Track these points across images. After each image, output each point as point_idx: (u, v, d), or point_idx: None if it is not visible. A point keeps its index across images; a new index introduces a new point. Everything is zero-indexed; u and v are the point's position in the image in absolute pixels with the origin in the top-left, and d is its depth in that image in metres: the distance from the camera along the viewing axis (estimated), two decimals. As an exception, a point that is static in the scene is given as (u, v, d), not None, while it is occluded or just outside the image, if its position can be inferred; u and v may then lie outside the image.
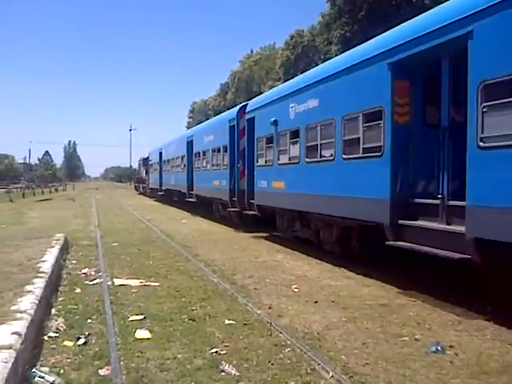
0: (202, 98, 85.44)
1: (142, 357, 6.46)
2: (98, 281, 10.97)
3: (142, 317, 8.20)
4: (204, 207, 28.88)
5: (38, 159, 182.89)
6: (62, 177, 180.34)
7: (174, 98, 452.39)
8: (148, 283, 10.79)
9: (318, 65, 25.20)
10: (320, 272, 12.23)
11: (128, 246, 16.40)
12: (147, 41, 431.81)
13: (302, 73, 21.91)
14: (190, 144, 31.67)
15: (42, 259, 11.11)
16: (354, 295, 9.91)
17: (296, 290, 10.35)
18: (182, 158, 34.23)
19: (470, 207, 8.40)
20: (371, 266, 12.28)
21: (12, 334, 5.67)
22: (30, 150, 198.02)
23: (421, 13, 10.83)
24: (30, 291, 7.94)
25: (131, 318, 8.13)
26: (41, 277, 9.13)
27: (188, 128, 78.23)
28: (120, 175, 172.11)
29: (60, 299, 9.33)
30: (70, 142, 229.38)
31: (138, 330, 7.46)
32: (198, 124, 39.32)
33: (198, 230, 21.85)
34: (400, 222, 10.29)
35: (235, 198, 21.28)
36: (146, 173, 59.80)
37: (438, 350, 6.85)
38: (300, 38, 36.98)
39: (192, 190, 30.55)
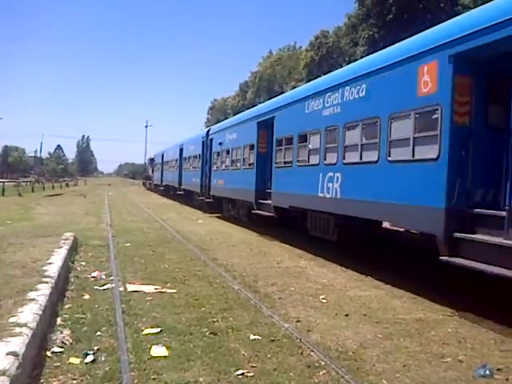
0: (223, 96, 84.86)
1: (158, 379, 5.67)
2: (108, 286, 10.15)
3: (157, 330, 7.37)
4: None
5: (49, 153, 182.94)
6: (74, 172, 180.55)
7: (192, 96, 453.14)
8: (164, 290, 9.96)
9: (341, 66, 24.53)
10: (347, 280, 11.41)
11: (142, 246, 15.59)
12: (166, 38, 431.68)
13: (326, 74, 21.12)
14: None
15: (49, 261, 10.31)
16: (385, 308, 9.11)
17: (324, 300, 9.53)
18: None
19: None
20: (397, 273, 11.61)
21: (7, 354, 4.86)
22: (41, 143, 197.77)
23: (450, 18, 9.88)
24: (32, 299, 7.12)
25: (146, 331, 7.32)
26: (46, 282, 8.32)
27: (207, 125, 78.03)
28: (134, 172, 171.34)
29: (66, 306, 8.51)
30: (83, 136, 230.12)
31: (153, 347, 6.64)
32: (217, 122, 40.38)
33: (215, 231, 21.02)
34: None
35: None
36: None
37: (486, 374, 6.12)
38: (325, 38, 36.05)
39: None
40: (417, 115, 10.28)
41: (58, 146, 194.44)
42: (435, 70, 9.73)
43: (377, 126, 11.56)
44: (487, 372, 6.09)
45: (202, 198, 29.88)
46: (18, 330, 5.73)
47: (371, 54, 14.92)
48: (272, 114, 18.98)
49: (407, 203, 10.46)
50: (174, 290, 9.96)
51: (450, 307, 9.13)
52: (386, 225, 14.05)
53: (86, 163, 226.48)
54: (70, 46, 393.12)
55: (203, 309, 8.68)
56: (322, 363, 6.27)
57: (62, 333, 6.98)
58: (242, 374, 5.91)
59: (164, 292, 9.82)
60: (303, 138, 16.03)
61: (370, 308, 9.04)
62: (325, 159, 14.35)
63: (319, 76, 27.39)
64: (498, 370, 6.25)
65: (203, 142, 30.78)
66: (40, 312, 6.60)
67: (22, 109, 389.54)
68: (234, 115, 46.09)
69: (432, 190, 9.66)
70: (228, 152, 25.33)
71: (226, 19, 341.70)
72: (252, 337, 7.24)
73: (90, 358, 6.16)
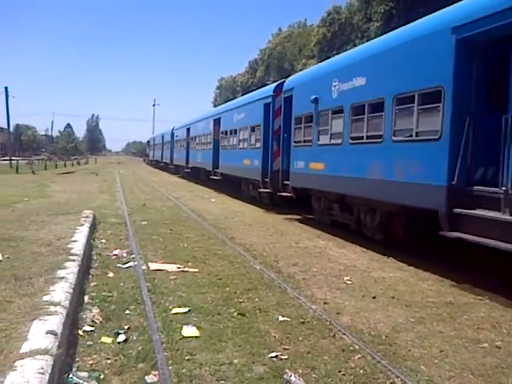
0: (231, 74, 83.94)
1: (192, 360, 5.58)
2: (131, 264, 10.08)
3: (186, 309, 7.29)
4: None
5: (60, 132, 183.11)
6: (84, 150, 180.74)
7: (200, 75, 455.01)
8: (186, 269, 9.88)
9: (354, 43, 24.54)
10: (369, 262, 11.30)
11: (158, 225, 15.53)
12: (174, 16, 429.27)
13: (337, 51, 21.30)
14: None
15: (72, 239, 10.27)
16: (413, 290, 8.97)
17: (348, 282, 9.42)
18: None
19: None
20: (419, 254, 11.57)
21: (47, 333, 4.80)
22: (52, 122, 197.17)
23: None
24: (62, 277, 7.07)
25: (174, 311, 7.24)
26: (73, 260, 8.27)
27: (214, 104, 77.64)
28: (142, 150, 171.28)
29: (92, 284, 8.45)
30: (93, 115, 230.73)
31: (184, 327, 6.56)
32: (226, 101, 39.85)
33: (228, 209, 20.94)
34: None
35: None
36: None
37: (527, 361, 5.92)
38: (337, 14, 35.37)
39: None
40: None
41: (68, 124, 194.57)
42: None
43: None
44: (529, 359, 5.94)
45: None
46: (52, 308, 5.66)
47: (387, 31, 14.70)
48: None
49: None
50: (196, 270, 9.89)
51: (480, 290, 9.00)
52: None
53: (94, 142, 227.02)
54: (80, 25, 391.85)
55: (228, 289, 8.59)
56: (356, 347, 6.16)
57: (91, 311, 6.91)
58: (276, 356, 5.81)
59: (186, 271, 9.74)
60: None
61: (397, 290, 8.92)
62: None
63: (331, 53, 27.16)
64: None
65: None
66: (71, 290, 6.55)
67: (32, 88, 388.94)
68: (243, 93, 46.22)
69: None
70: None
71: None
72: (281, 318, 7.14)
73: (121, 338, 6.08)
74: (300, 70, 34.96)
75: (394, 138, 11.56)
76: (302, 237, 14.38)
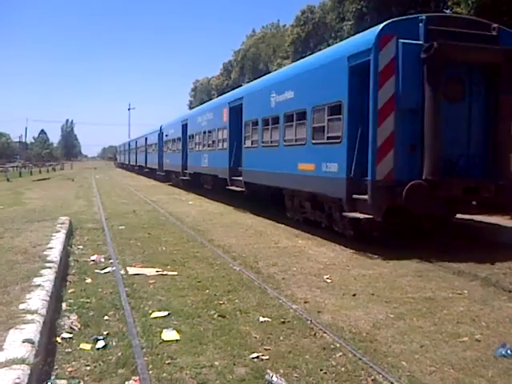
0: (206, 76, 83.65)
1: (173, 364, 5.54)
2: (109, 269, 9.99)
3: (165, 313, 7.24)
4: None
5: (34, 138, 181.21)
6: (59, 156, 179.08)
7: (175, 78, 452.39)
8: (165, 272, 9.82)
9: (328, 44, 26.18)
10: (348, 259, 11.34)
11: (136, 229, 15.42)
12: (147, 21, 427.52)
13: (312, 51, 26.04)
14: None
15: (48, 245, 10.15)
16: (392, 287, 9.02)
17: (328, 280, 9.43)
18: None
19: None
20: (397, 251, 11.77)
21: (24, 342, 4.73)
22: (26, 129, 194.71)
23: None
24: (38, 285, 6.98)
25: (154, 315, 7.18)
26: (49, 267, 8.17)
27: (190, 107, 77.56)
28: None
29: (70, 291, 8.34)
30: (67, 120, 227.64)
31: (164, 331, 6.51)
32: (202, 103, 40.77)
33: (207, 211, 20.86)
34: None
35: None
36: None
37: (507, 353, 5.97)
38: (311, 14, 35.37)
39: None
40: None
41: (42, 130, 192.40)
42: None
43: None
44: (508, 352, 5.97)
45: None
46: (29, 316, 5.58)
47: (359, 30, 15.66)
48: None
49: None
50: (175, 273, 9.83)
51: (458, 285, 9.11)
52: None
53: (70, 147, 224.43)
54: (52, 30, 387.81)
55: (207, 291, 8.56)
56: (337, 345, 6.17)
57: (69, 318, 6.83)
58: (257, 357, 5.79)
59: (165, 274, 9.69)
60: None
61: (377, 287, 8.96)
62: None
63: (305, 53, 28.20)
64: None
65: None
66: (47, 298, 6.46)
67: (4, 94, 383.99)
68: (218, 95, 47.30)
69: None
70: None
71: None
72: (261, 319, 7.13)
73: (101, 344, 6.02)
74: (274, 70, 35.36)
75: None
76: (281, 237, 14.38)
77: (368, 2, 22.20)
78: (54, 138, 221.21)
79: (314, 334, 6.56)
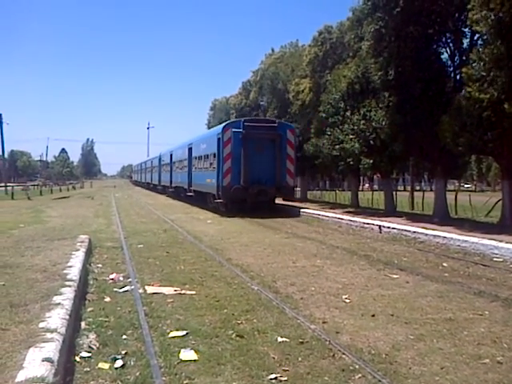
0: (224, 95, 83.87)
1: (191, 385, 5.52)
2: (128, 288, 10.01)
3: (183, 333, 7.23)
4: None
5: (55, 157, 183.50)
6: (79, 174, 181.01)
7: (194, 97, 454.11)
8: (183, 291, 9.82)
9: (346, 62, 28.02)
10: (367, 280, 11.23)
11: (155, 248, 15.48)
12: (167, 39, 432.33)
13: (330, 70, 33.81)
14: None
15: (68, 264, 10.19)
16: (412, 307, 8.90)
17: (347, 300, 9.36)
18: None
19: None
20: (416, 272, 11.53)
21: (43, 361, 4.74)
22: (47, 147, 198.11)
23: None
24: (58, 304, 7.00)
25: (172, 334, 7.18)
26: (69, 285, 8.19)
27: (208, 126, 78.09)
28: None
29: (89, 309, 8.37)
30: (87, 139, 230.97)
31: (182, 350, 6.50)
32: (220, 122, 43.86)
33: (225, 230, 20.88)
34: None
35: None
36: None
37: (528, 375, 6.00)
38: (328, 34, 35.49)
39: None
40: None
41: (63, 149, 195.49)
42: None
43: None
44: (529, 373, 6.18)
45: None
46: (49, 335, 5.60)
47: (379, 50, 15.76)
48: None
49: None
50: (194, 292, 9.83)
51: (479, 306, 8.98)
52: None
53: (90, 166, 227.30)
54: (71, 49, 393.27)
55: (225, 310, 8.53)
56: (357, 366, 6.11)
57: (88, 337, 6.84)
58: (275, 378, 5.76)
59: (184, 294, 9.68)
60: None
61: (396, 308, 8.87)
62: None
63: (323, 72, 29.61)
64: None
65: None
66: (67, 317, 6.48)
67: (26, 114, 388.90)
68: (236, 115, 50.98)
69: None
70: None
71: (226, 19, 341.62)
72: (280, 339, 7.08)
73: (119, 363, 6.02)
74: (293, 90, 35.92)
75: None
76: (299, 256, 14.32)
77: (386, 22, 22.15)
78: (75, 156, 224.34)
79: (333, 355, 6.50)
